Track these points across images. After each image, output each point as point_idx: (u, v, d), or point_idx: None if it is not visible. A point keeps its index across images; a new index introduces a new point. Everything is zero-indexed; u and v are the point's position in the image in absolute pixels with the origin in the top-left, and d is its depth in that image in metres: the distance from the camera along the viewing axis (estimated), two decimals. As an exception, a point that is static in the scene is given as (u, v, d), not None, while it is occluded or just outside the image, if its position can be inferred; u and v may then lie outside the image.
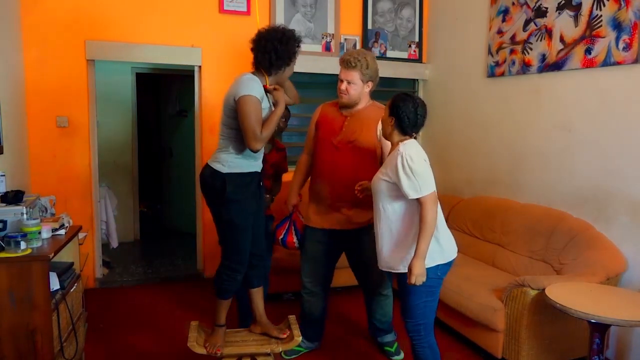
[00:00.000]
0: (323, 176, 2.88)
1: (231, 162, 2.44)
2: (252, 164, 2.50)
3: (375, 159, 2.82)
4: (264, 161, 2.99)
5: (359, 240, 2.88)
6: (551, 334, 2.83)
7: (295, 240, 3.00)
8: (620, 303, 2.46)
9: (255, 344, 2.58)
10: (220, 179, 2.44)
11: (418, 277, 2.18)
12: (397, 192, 2.23)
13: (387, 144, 2.58)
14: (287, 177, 3.33)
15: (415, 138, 2.33)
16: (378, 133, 2.79)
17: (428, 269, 2.22)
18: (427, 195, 2.17)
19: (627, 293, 2.66)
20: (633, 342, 2.95)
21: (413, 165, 2.16)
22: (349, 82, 2.82)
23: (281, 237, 3.02)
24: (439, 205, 2.28)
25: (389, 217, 2.31)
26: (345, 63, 2.82)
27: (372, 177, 2.60)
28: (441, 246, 2.29)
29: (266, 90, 2.48)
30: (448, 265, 2.34)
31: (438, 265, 2.27)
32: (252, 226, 2.54)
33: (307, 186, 3.07)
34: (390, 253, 2.32)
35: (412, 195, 2.17)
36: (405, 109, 2.26)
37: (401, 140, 2.29)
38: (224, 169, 2.45)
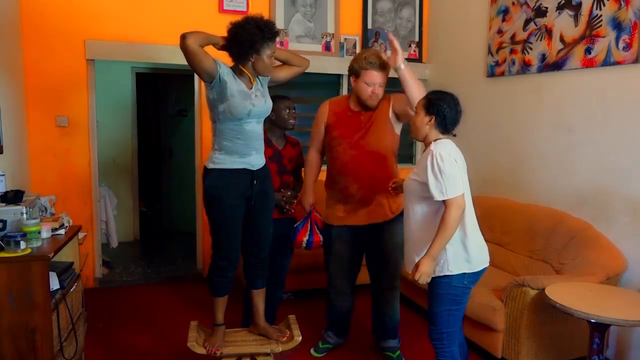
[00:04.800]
0: (348, 174, 2.82)
1: (215, 159, 2.43)
2: (237, 160, 2.42)
3: (395, 148, 2.87)
4: (280, 157, 2.98)
5: (384, 232, 2.86)
6: (551, 333, 2.83)
7: (321, 238, 2.92)
8: (620, 303, 2.46)
9: (255, 344, 2.58)
10: (205, 175, 2.47)
11: (422, 276, 2.12)
12: (427, 192, 2.14)
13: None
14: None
15: (454, 135, 2.26)
16: (390, 115, 2.79)
17: (453, 277, 2.17)
18: (452, 198, 2.08)
19: (627, 293, 2.66)
20: (633, 342, 2.95)
21: (442, 165, 2.08)
22: (379, 85, 2.73)
23: (305, 238, 2.89)
24: (472, 211, 2.22)
25: (417, 218, 2.24)
26: (379, 65, 2.70)
27: (395, 166, 2.74)
28: (469, 254, 2.18)
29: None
30: (476, 274, 2.23)
31: (464, 273, 2.18)
32: (244, 225, 2.50)
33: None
34: (417, 256, 2.22)
35: (437, 196, 2.09)
36: (446, 107, 2.18)
37: (435, 140, 2.21)
38: (209, 165, 2.46)
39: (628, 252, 2.96)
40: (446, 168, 2.08)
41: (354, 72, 2.77)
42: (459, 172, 2.12)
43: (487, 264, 2.28)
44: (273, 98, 2.65)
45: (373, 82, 2.72)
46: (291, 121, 2.98)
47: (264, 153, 2.73)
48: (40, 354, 2.25)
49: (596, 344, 2.41)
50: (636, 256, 2.94)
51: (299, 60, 2.65)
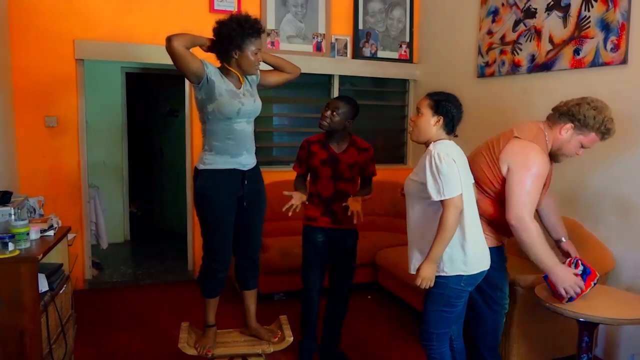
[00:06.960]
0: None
1: (205, 159, 2.44)
2: (228, 160, 2.42)
3: None
4: (336, 161, 2.78)
5: None
6: (541, 332, 2.85)
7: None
8: (608, 302, 2.48)
9: (246, 345, 2.58)
10: (196, 176, 2.46)
11: (424, 280, 2.09)
12: (425, 192, 2.11)
13: None
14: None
15: (456, 136, 2.24)
16: None
17: (450, 278, 2.14)
18: (450, 198, 2.05)
19: (615, 292, 2.68)
20: (621, 340, 2.98)
21: (440, 165, 2.06)
22: None
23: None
24: (473, 212, 2.18)
25: (418, 218, 2.22)
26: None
27: None
28: (467, 256, 2.14)
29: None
30: (474, 278, 2.18)
31: (461, 276, 2.16)
32: (235, 226, 2.49)
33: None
34: (417, 255, 2.21)
35: (435, 197, 2.07)
36: (453, 107, 2.17)
37: (436, 140, 2.19)
38: (200, 166, 2.46)
39: (616, 251, 3.00)
40: (444, 168, 2.06)
41: (583, 124, 2.34)
42: (457, 172, 2.09)
43: (486, 267, 2.23)
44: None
45: (588, 148, 2.41)
46: (321, 121, 2.78)
47: (318, 155, 2.73)
48: (29, 357, 2.23)
49: (585, 342, 2.43)
50: (624, 255, 2.97)
51: (291, 67, 2.65)
